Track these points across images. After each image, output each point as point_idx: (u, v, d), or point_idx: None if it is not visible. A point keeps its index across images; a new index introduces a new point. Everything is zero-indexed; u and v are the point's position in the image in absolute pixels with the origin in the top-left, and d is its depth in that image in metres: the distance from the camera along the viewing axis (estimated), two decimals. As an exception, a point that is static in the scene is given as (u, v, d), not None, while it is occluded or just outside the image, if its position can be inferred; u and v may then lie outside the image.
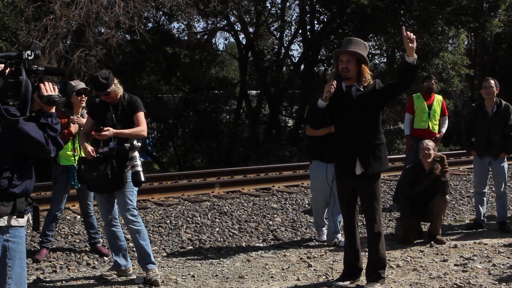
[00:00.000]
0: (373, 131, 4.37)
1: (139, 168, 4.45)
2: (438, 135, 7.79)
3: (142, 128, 4.62)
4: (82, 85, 5.41)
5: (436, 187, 6.02)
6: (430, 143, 6.14)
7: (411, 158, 7.44)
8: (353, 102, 4.33)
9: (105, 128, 4.49)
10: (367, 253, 4.55)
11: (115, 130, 4.52)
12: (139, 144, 4.62)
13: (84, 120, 5.36)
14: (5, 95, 2.67)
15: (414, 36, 4.12)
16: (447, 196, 6.11)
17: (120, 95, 4.71)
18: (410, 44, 4.09)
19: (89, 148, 4.60)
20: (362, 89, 4.34)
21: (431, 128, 7.70)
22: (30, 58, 2.72)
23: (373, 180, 4.39)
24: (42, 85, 2.80)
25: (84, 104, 5.46)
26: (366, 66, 4.35)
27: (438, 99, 7.85)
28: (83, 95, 5.38)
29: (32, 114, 2.82)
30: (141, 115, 4.66)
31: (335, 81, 4.27)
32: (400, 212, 6.22)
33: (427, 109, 7.67)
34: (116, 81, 4.68)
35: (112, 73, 4.73)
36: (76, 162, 5.26)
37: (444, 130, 7.94)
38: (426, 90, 7.80)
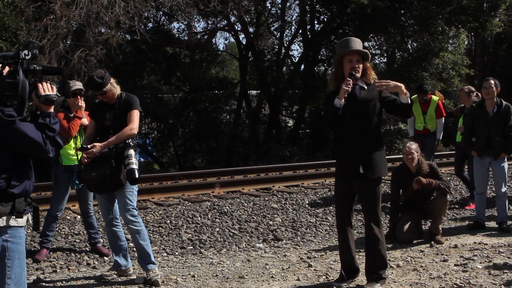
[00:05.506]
0: (375, 131, 4.38)
1: (134, 166, 4.41)
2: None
3: (131, 126, 4.53)
4: (78, 85, 5.33)
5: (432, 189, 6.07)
6: (412, 146, 6.15)
7: None
8: (359, 101, 4.32)
9: (90, 146, 4.47)
10: (364, 253, 4.53)
11: (101, 144, 4.47)
12: (134, 142, 4.61)
13: (85, 121, 5.35)
14: (3, 96, 2.66)
15: (388, 81, 4.26)
16: (447, 196, 6.10)
17: (117, 95, 4.70)
18: (397, 86, 4.20)
19: (84, 156, 4.56)
20: (365, 87, 4.34)
21: (428, 128, 8.42)
22: (27, 57, 2.70)
23: (376, 181, 4.38)
24: (39, 84, 2.79)
25: (81, 104, 5.40)
26: (367, 63, 4.40)
27: (433, 102, 8.38)
28: (79, 96, 5.30)
29: (38, 112, 2.82)
30: (134, 113, 4.60)
31: (351, 80, 4.26)
32: (390, 214, 6.25)
33: (422, 114, 8.39)
34: (112, 80, 4.67)
35: (112, 73, 4.71)
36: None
37: (440, 135, 8.45)
38: (422, 101, 8.39)
